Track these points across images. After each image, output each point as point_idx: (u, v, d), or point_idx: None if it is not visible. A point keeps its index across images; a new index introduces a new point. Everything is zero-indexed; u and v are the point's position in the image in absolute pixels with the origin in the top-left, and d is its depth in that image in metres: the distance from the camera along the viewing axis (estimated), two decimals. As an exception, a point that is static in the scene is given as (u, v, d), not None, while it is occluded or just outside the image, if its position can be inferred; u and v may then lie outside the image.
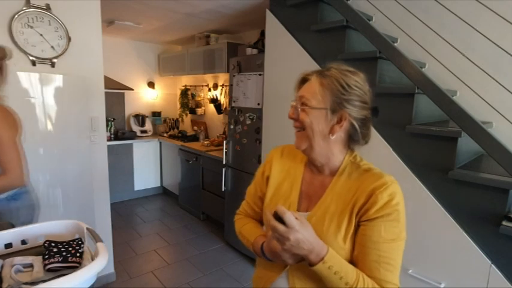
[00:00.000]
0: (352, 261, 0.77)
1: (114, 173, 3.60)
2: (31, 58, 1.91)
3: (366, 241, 0.74)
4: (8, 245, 1.11)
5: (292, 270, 0.82)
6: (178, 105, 4.90)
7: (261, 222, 1.02)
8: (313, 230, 0.73)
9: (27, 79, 1.91)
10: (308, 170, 0.90)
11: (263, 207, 0.95)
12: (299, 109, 0.81)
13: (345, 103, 0.76)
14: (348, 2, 2.02)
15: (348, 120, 0.77)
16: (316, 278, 0.75)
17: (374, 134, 1.72)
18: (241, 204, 1.07)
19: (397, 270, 0.75)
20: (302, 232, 0.69)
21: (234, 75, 2.95)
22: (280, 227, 0.68)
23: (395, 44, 1.83)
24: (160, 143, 4.56)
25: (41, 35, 1.92)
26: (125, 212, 4.00)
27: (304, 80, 0.84)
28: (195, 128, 4.62)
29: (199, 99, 4.64)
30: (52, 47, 1.97)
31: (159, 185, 4.70)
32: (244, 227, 1.00)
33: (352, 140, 0.82)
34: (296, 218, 0.70)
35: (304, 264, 0.75)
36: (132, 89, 4.48)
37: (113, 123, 4.24)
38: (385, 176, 0.78)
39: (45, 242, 1.09)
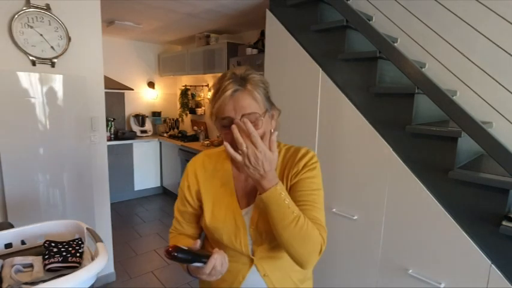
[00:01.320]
0: None
1: (114, 173, 3.60)
2: (31, 58, 1.91)
3: (300, 195, 0.84)
4: (8, 245, 1.11)
5: (259, 260, 0.88)
6: (178, 105, 4.90)
7: (194, 237, 0.98)
8: (262, 216, 0.82)
9: (27, 79, 1.91)
10: (235, 167, 0.92)
11: (207, 223, 0.89)
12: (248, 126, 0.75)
13: (269, 99, 0.83)
14: (348, 2, 2.02)
15: (276, 113, 0.86)
16: (283, 266, 0.89)
17: (374, 134, 1.73)
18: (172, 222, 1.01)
19: (323, 212, 0.86)
20: (268, 155, 0.73)
21: (234, 75, 2.95)
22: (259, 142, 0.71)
23: (395, 44, 1.83)
24: (160, 143, 4.56)
25: (41, 35, 1.92)
26: (125, 212, 4.00)
27: (233, 94, 0.76)
28: (195, 128, 4.62)
29: (199, 99, 4.64)
30: (52, 47, 1.97)
31: (159, 185, 4.70)
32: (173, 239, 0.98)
33: None
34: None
35: (258, 201, 0.85)
36: (132, 89, 4.48)
37: (113, 123, 4.24)
38: (303, 148, 0.90)
39: (45, 242, 1.09)
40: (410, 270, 1.59)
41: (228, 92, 0.75)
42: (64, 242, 1.09)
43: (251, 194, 0.89)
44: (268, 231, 0.82)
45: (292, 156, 0.89)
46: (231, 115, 0.76)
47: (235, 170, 0.92)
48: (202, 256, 0.74)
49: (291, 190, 0.85)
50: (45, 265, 0.98)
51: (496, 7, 1.66)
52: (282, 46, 2.27)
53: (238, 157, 0.72)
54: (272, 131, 0.80)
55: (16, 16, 1.82)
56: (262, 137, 0.75)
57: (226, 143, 0.74)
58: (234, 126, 0.71)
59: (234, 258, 0.87)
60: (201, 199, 0.91)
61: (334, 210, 1.93)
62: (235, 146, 0.73)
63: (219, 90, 0.78)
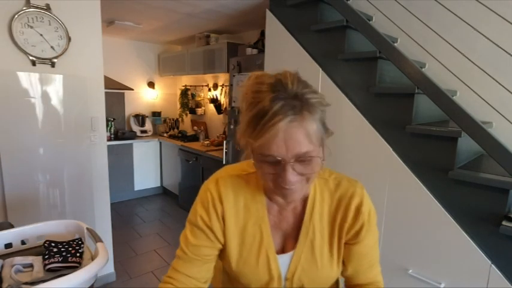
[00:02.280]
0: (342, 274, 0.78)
1: (114, 173, 3.59)
2: (31, 58, 1.91)
3: (359, 256, 0.73)
4: (8, 245, 1.11)
5: None
6: (178, 105, 4.90)
7: (201, 283, 0.73)
8: (305, 269, 0.70)
9: (27, 79, 1.91)
10: (269, 198, 0.72)
11: (233, 267, 0.72)
12: (299, 167, 0.59)
13: (325, 125, 0.62)
14: (348, 2, 2.02)
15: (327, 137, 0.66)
16: None
17: (374, 134, 1.73)
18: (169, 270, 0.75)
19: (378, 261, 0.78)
20: None
21: (234, 75, 2.95)
22: None
23: (395, 44, 1.83)
24: (160, 143, 4.56)
25: (41, 35, 1.92)
26: (125, 212, 4.00)
27: (288, 126, 0.55)
28: (195, 128, 4.62)
29: (199, 99, 4.64)
30: (52, 47, 1.97)
31: (159, 185, 4.70)
32: None
33: None
34: None
35: None
36: (132, 89, 4.48)
37: (113, 123, 4.24)
38: (357, 187, 0.71)
39: (45, 242, 1.09)
40: (410, 270, 1.59)
41: (282, 124, 0.54)
42: (64, 242, 1.09)
43: (290, 235, 0.73)
44: (309, 285, 0.72)
45: (344, 198, 0.71)
46: (279, 154, 0.56)
47: (270, 203, 0.72)
48: None
49: (346, 247, 0.73)
50: (45, 265, 0.98)
51: (496, 7, 1.66)
52: (282, 46, 2.27)
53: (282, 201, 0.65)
54: (323, 161, 0.63)
55: (16, 16, 1.81)
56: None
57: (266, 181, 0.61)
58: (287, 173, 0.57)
59: None
60: (225, 235, 0.72)
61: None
62: (276, 183, 0.61)
63: (263, 112, 0.54)
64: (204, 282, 0.73)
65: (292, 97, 0.55)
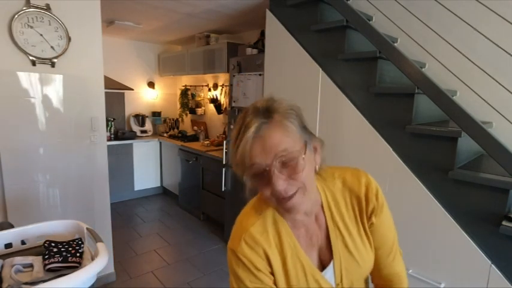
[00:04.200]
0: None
1: (114, 173, 3.59)
2: (31, 58, 1.91)
3: (378, 239, 0.77)
4: (8, 245, 1.11)
5: None
6: (178, 105, 4.90)
7: None
8: (349, 270, 0.74)
9: (27, 79, 1.91)
10: (292, 223, 0.73)
11: None
12: (285, 170, 0.60)
13: (307, 129, 0.64)
14: (348, 2, 2.02)
15: (319, 144, 0.68)
16: None
17: (374, 134, 1.73)
18: None
19: (398, 245, 0.82)
20: None
21: (234, 75, 2.95)
22: None
23: (395, 44, 1.82)
24: (160, 143, 4.56)
25: (41, 35, 1.92)
26: (124, 212, 4.00)
27: (257, 134, 0.59)
28: (195, 128, 4.62)
29: (199, 99, 4.64)
30: (52, 47, 1.97)
31: (159, 185, 4.70)
32: None
33: None
34: None
35: None
36: (132, 89, 4.48)
37: (113, 123, 4.24)
38: (360, 176, 0.76)
39: (45, 242, 1.09)
40: (410, 270, 1.59)
41: (251, 129, 0.58)
42: (64, 242, 1.09)
43: (325, 246, 0.75)
44: (358, 280, 0.77)
45: (353, 188, 0.75)
46: (261, 160, 0.59)
47: (294, 227, 0.74)
48: None
49: (370, 230, 0.76)
50: (45, 265, 0.98)
51: (496, 7, 1.66)
52: (282, 46, 2.27)
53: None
54: (317, 168, 0.66)
55: (16, 16, 1.81)
56: (306, 184, 0.62)
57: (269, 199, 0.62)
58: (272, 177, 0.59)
59: None
60: (274, 278, 0.72)
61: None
62: (278, 199, 0.62)
63: (239, 131, 0.60)
64: None
65: (261, 111, 0.60)
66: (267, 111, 0.60)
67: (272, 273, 0.71)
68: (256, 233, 0.71)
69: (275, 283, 0.72)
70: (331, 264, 0.74)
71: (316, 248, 0.75)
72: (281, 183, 0.60)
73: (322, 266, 0.75)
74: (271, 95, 0.66)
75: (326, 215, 0.74)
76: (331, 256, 0.74)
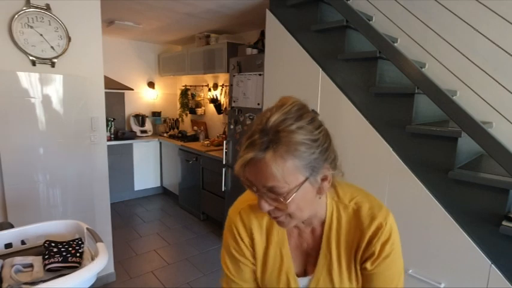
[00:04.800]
0: None
1: (114, 173, 3.59)
2: (31, 58, 1.91)
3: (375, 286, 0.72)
4: (8, 245, 1.11)
5: None
6: (178, 105, 4.90)
7: None
8: None
9: (27, 79, 1.91)
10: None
11: (259, 284, 0.78)
12: (273, 196, 0.60)
13: (320, 158, 0.59)
14: (348, 2, 2.02)
15: (330, 172, 0.64)
16: None
17: (374, 134, 1.73)
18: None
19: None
20: None
21: (234, 75, 2.95)
22: None
23: (395, 44, 1.83)
24: (160, 143, 4.56)
25: (41, 35, 1.92)
26: (124, 212, 4.00)
27: (250, 162, 0.58)
28: (195, 128, 4.62)
29: (199, 99, 4.64)
30: (52, 47, 1.97)
31: (159, 185, 4.70)
32: None
33: None
34: None
35: None
36: (132, 89, 4.48)
37: (113, 123, 4.24)
38: (378, 215, 0.69)
39: (45, 242, 1.09)
40: (410, 270, 1.59)
41: (250, 155, 0.57)
42: (64, 242, 1.09)
43: (312, 257, 0.75)
44: None
45: (361, 225, 0.70)
46: (252, 180, 0.60)
47: (292, 229, 0.76)
48: None
49: (364, 273, 0.72)
50: (45, 265, 0.98)
51: (496, 7, 1.66)
52: (282, 46, 2.27)
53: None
54: (319, 197, 0.65)
55: (16, 16, 1.81)
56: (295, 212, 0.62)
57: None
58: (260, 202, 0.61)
59: None
60: (254, 258, 0.78)
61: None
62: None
63: (246, 141, 0.59)
64: None
65: (267, 132, 0.57)
66: (274, 135, 0.56)
67: (254, 255, 0.76)
68: (252, 212, 0.76)
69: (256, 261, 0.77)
70: (309, 277, 0.74)
71: (303, 253, 0.76)
72: (266, 207, 0.62)
73: (302, 274, 0.75)
74: (301, 101, 0.61)
75: (324, 232, 0.72)
76: (313, 270, 0.73)
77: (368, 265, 0.69)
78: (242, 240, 0.76)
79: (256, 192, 0.62)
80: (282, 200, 0.59)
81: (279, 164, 0.55)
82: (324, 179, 0.63)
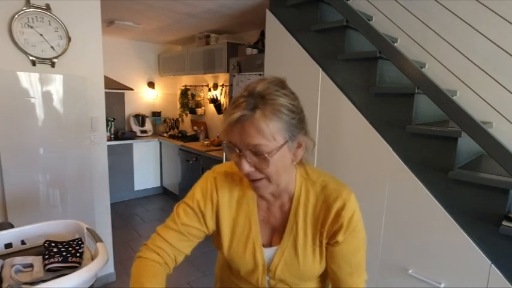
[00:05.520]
0: (326, 271, 0.80)
1: (114, 173, 3.59)
2: (31, 58, 1.91)
3: (338, 259, 0.75)
4: (8, 245, 1.11)
5: None
6: (178, 105, 4.90)
7: (180, 256, 0.79)
8: (287, 264, 0.75)
9: (27, 79, 1.91)
10: (261, 196, 0.79)
11: (224, 253, 0.80)
12: (254, 158, 0.64)
13: (297, 125, 0.66)
14: (348, 2, 2.02)
15: (304, 141, 0.70)
16: None
17: (374, 134, 1.73)
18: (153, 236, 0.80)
19: (364, 268, 0.78)
20: None
21: (234, 75, 2.95)
22: None
23: (395, 44, 1.83)
24: (160, 143, 4.56)
25: (41, 35, 1.92)
26: (124, 212, 4.00)
27: (238, 120, 0.62)
28: (195, 128, 4.62)
29: (199, 99, 4.64)
30: (52, 47, 1.97)
31: (159, 185, 4.70)
32: (147, 268, 0.74)
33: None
34: None
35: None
36: (132, 89, 4.48)
37: (113, 123, 4.24)
38: (342, 191, 0.73)
39: (45, 242, 1.09)
40: (410, 270, 1.59)
41: (234, 116, 0.61)
42: (64, 242, 1.09)
43: (278, 231, 0.79)
44: (291, 282, 0.78)
45: (327, 201, 0.74)
46: (236, 142, 0.64)
47: (260, 200, 0.80)
48: None
49: (328, 248, 0.76)
50: (45, 265, 0.98)
51: (496, 7, 1.66)
52: (282, 46, 2.27)
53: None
54: (294, 163, 0.71)
55: (16, 16, 1.81)
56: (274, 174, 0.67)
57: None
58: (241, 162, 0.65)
59: (247, 283, 0.83)
60: (218, 225, 0.80)
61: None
62: (246, 175, 0.68)
63: (233, 105, 0.64)
64: (181, 257, 0.80)
65: (254, 96, 0.63)
66: (260, 98, 0.62)
67: (217, 221, 0.79)
68: (226, 182, 0.80)
69: (219, 233, 0.80)
70: (275, 248, 0.77)
71: (270, 227, 0.79)
72: (247, 168, 0.65)
73: (268, 245, 0.79)
74: (281, 77, 0.68)
75: (293, 205, 0.76)
76: (279, 242, 0.77)
77: (339, 237, 0.72)
78: (211, 198, 0.79)
79: (239, 154, 0.65)
80: (266, 156, 0.63)
81: (267, 122, 0.61)
82: (298, 146, 0.69)
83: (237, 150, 0.65)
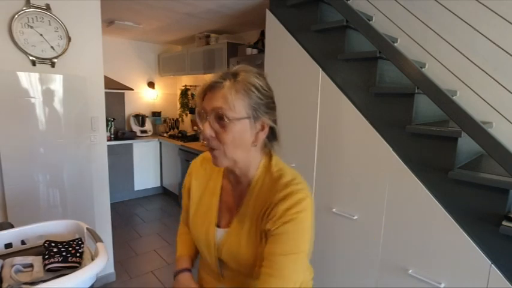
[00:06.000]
0: None
1: (114, 173, 3.60)
2: (31, 58, 1.91)
3: (266, 254, 0.71)
4: (8, 245, 1.11)
5: (228, 281, 0.84)
6: (178, 105, 4.90)
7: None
8: (231, 246, 0.78)
9: (27, 79, 1.91)
10: (227, 180, 0.85)
11: (190, 228, 0.90)
12: (216, 124, 0.71)
13: (263, 107, 0.72)
14: (348, 2, 2.02)
15: (268, 125, 0.74)
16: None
17: (374, 134, 1.73)
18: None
19: (289, 284, 0.69)
20: None
21: (234, 75, 2.95)
22: None
23: (395, 44, 1.82)
24: (160, 143, 4.56)
25: (41, 35, 1.92)
26: (124, 212, 4.00)
27: (211, 87, 0.71)
28: (195, 128, 4.62)
29: (199, 99, 4.64)
30: (52, 47, 1.97)
31: (159, 185, 4.70)
32: (180, 238, 1.01)
33: (267, 143, 0.80)
34: None
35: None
36: (132, 89, 4.48)
37: (113, 123, 4.24)
38: (292, 186, 0.72)
39: (45, 242, 1.09)
40: (410, 270, 1.59)
41: (208, 83, 0.72)
42: (64, 242, 1.09)
43: (234, 214, 0.82)
44: (237, 270, 0.79)
45: (274, 192, 0.74)
46: (205, 106, 0.72)
47: (226, 182, 0.86)
48: None
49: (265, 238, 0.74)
50: (45, 265, 0.98)
51: (496, 7, 1.66)
52: (282, 46, 2.27)
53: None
54: (256, 145, 0.75)
55: (16, 16, 1.81)
56: (229, 144, 0.71)
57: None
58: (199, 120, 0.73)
59: (208, 268, 0.87)
60: (189, 200, 0.91)
61: (334, 210, 1.93)
62: (206, 143, 0.74)
63: (211, 78, 0.74)
64: None
65: (229, 72, 0.72)
66: (233, 76, 0.71)
67: (189, 198, 0.91)
68: (203, 162, 0.92)
69: (189, 208, 0.90)
70: (226, 230, 0.81)
71: (229, 209, 0.83)
72: (208, 131, 0.71)
73: (224, 226, 0.82)
74: (256, 69, 0.75)
75: (248, 193, 0.80)
76: (229, 225, 0.81)
77: (269, 225, 0.72)
78: (188, 180, 0.93)
79: (205, 118, 0.72)
80: (226, 121, 0.68)
81: (232, 92, 0.68)
82: (261, 129, 0.74)
83: (205, 116, 0.71)
